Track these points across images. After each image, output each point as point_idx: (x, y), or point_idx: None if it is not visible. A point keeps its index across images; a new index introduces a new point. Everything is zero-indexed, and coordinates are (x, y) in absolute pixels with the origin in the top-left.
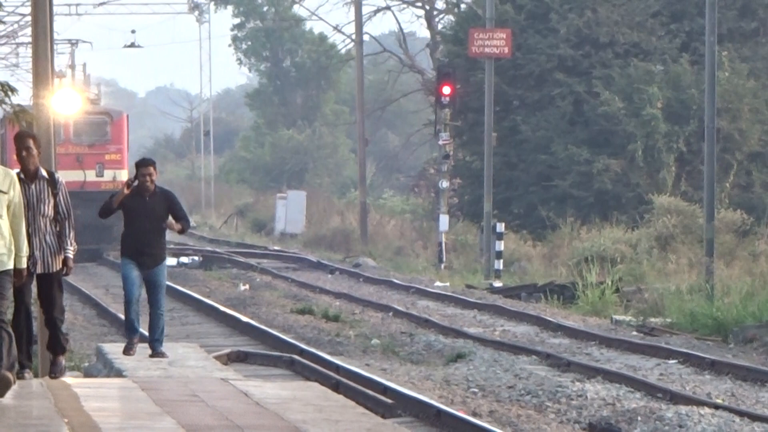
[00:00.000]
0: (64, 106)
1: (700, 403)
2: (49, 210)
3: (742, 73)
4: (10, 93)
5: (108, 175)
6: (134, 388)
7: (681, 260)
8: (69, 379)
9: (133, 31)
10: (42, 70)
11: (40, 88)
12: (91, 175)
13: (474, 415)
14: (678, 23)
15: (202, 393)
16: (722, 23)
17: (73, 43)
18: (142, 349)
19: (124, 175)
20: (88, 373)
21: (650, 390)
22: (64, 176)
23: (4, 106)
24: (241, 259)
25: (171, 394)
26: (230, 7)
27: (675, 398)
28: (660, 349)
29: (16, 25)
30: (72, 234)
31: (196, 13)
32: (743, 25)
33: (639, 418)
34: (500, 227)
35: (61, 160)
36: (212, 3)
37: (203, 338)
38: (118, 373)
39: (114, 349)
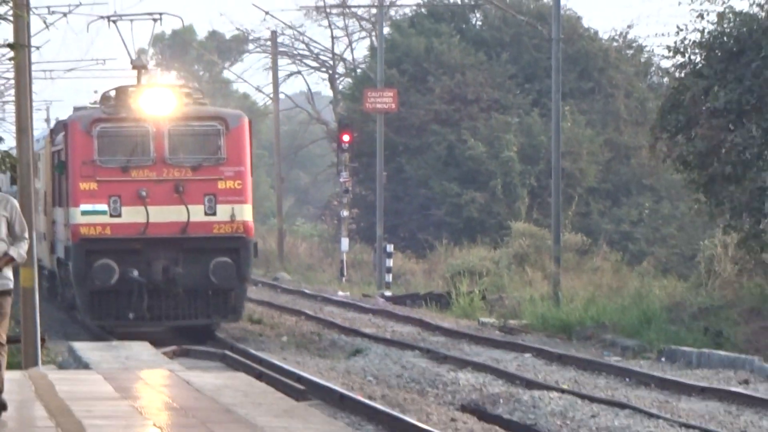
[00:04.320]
0: (154, 106)
1: (550, 389)
2: None
3: (581, 124)
4: None
5: (223, 212)
6: (98, 378)
7: (535, 274)
8: (46, 371)
9: (95, 92)
10: (23, 123)
11: (21, 137)
12: (197, 213)
13: (370, 398)
14: (530, 83)
15: (152, 381)
16: (565, 84)
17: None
18: (106, 345)
19: (247, 213)
20: (62, 366)
21: (510, 378)
22: (156, 214)
23: None
24: None
25: (128, 382)
26: (173, 72)
27: (530, 384)
28: (517, 345)
29: (2, 87)
30: None
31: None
32: (582, 85)
33: (501, 401)
34: (390, 248)
35: (152, 190)
36: (159, 69)
37: (153, 337)
38: (86, 366)
39: (83, 346)
